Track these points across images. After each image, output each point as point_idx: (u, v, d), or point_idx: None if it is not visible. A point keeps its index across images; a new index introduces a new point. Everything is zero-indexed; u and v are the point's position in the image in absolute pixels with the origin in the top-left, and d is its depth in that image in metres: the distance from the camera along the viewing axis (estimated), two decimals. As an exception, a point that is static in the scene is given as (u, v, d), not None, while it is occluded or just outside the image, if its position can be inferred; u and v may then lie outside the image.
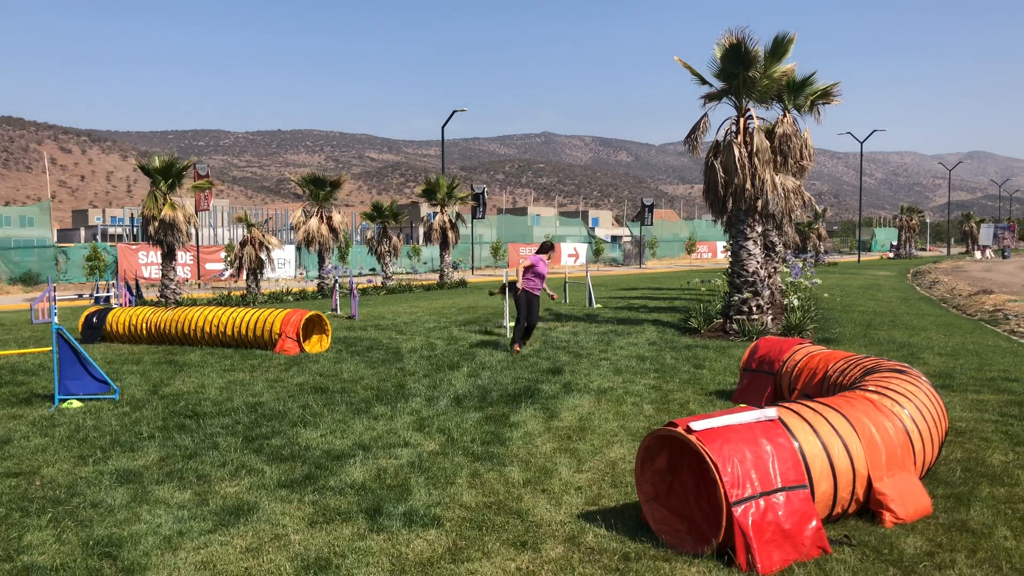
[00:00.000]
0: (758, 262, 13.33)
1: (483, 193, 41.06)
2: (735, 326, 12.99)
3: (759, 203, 13.00)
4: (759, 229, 13.43)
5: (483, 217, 42.56)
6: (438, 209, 31.28)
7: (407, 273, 40.17)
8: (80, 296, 25.84)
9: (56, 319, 8.70)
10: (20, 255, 35.53)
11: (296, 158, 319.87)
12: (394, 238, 30.00)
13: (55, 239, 45.90)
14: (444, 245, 31.22)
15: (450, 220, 31.16)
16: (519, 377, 9.66)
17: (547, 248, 12.40)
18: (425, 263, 43.09)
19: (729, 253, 13.88)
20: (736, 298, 13.34)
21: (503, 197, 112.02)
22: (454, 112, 41.43)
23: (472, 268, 44.41)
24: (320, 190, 27.81)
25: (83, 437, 6.99)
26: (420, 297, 25.49)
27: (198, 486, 5.60)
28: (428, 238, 31.50)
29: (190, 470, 5.98)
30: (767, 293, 13.34)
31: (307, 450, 6.51)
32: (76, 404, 8.30)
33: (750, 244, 13.33)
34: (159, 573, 4.17)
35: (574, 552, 4.37)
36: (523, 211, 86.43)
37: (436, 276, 32.67)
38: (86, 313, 14.28)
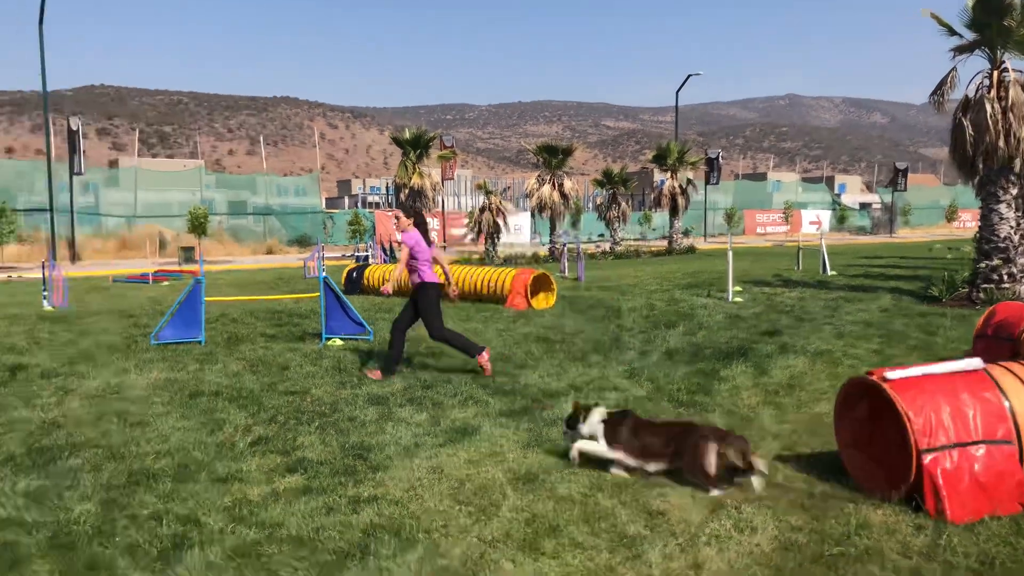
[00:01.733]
0: (1011, 227, 12.25)
1: (717, 158, 40.20)
2: (982, 295, 12.09)
3: (1016, 163, 11.92)
4: (1013, 192, 12.32)
5: (717, 183, 41.71)
6: (668, 175, 31.21)
7: (636, 239, 40.43)
8: (343, 256, 28.92)
9: (324, 273, 10.16)
10: (296, 220, 40.18)
11: (535, 128, 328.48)
12: (623, 204, 30.41)
13: (323, 206, 51.24)
14: (673, 211, 31.15)
15: (680, 186, 31.00)
16: (735, 337, 9.81)
17: (419, 221, 8.86)
18: (655, 229, 43.08)
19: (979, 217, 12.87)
20: (984, 265, 12.38)
21: (742, 162, 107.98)
22: (689, 76, 40.80)
23: (704, 235, 43.75)
24: (553, 158, 28.80)
25: (343, 367, 8.23)
26: (647, 262, 25.76)
27: (433, 411, 6.48)
28: (657, 204, 31.59)
29: (427, 398, 6.90)
30: (1022, 261, 12.24)
31: (526, 388, 7.22)
32: (338, 342, 9.67)
33: (1002, 207, 12.28)
34: (399, 472, 5.01)
35: (762, 487, 4.65)
36: (762, 176, 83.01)
37: (665, 242, 32.74)
38: (347, 269, 16.25)
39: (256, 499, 4.54)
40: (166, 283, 19.21)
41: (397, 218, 8.27)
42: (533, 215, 36.59)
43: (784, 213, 50.83)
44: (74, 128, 29.19)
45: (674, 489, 4.63)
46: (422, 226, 6.74)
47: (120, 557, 3.81)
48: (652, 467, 4.80)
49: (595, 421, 5.01)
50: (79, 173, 29.72)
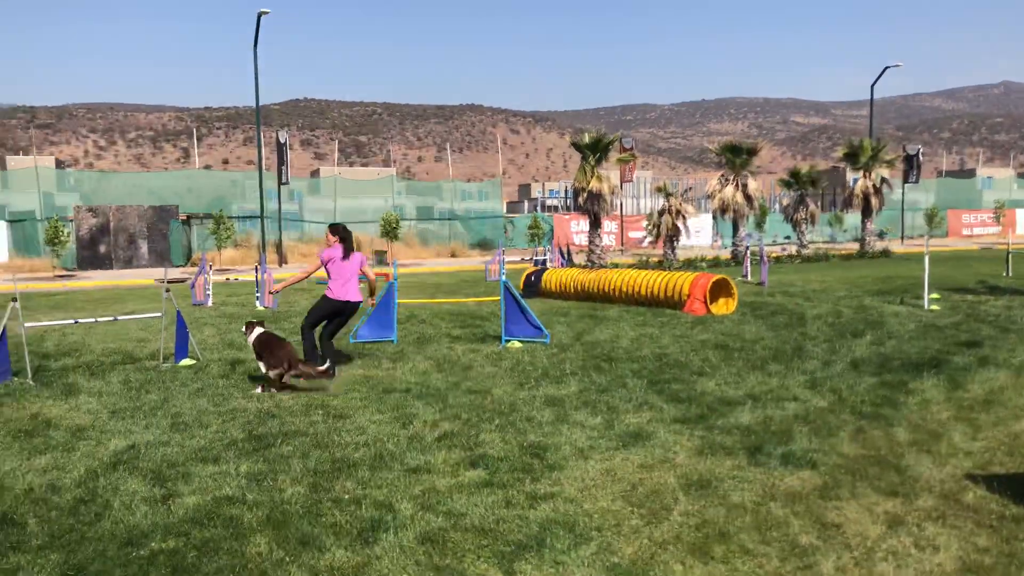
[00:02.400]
0: None
1: (917, 154, 37.51)
2: None
3: None
4: None
5: (916, 181, 38.89)
6: (861, 173, 29.54)
7: (825, 241, 38.52)
8: (523, 259, 29.67)
9: (504, 276, 10.62)
10: (478, 224, 41.65)
11: (719, 127, 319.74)
12: (811, 205, 29.16)
13: (504, 210, 52.72)
14: (866, 212, 29.47)
15: (873, 185, 29.26)
16: (928, 348, 9.27)
17: (343, 237, 8.86)
18: (846, 231, 40.82)
19: None
20: None
21: (947, 158, 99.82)
22: (886, 68, 38.37)
23: (902, 237, 40.94)
24: (736, 158, 28.08)
25: (521, 369, 8.59)
26: (835, 266, 24.56)
27: (607, 414, 6.66)
28: (849, 204, 29.99)
29: (602, 402, 7.09)
30: None
31: (702, 395, 7.24)
32: (517, 344, 10.06)
33: None
34: (574, 472, 5.23)
35: (947, 506, 4.48)
36: (971, 173, 76.35)
37: (856, 245, 30.98)
38: (526, 273, 16.73)
39: (443, 489, 4.93)
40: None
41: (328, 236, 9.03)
42: (715, 217, 35.81)
43: (995, 213, 46.53)
44: (282, 141, 31.86)
45: (850, 503, 4.55)
46: (346, 242, 7.27)
47: (325, 535, 4.29)
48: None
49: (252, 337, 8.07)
50: (286, 183, 32.39)
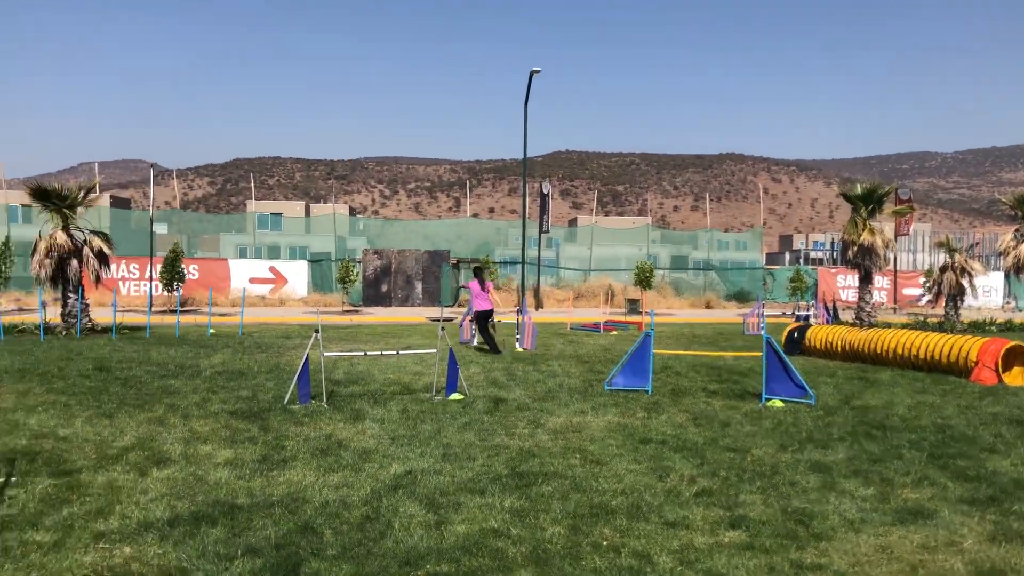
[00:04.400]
0: None
1: None
2: None
3: None
4: None
5: None
6: None
7: None
8: (783, 314, 28.39)
9: (764, 331, 10.27)
10: (734, 275, 40.61)
11: (1013, 176, 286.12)
12: None
13: (764, 262, 50.89)
14: None
15: None
16: None
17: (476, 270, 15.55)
18: None
19: None
20: None
21: None
22: None
23: None
24: (1037, 211, 24.97)
25: (784, 430, 8.22)
26: None
27: (880, 486, 6.19)
28: None
29: (874, 472, 6.60)
30: None
31: (995, 475, 6.50)
32: (779, 404, 9.65)
33: None
34: (843, 544, 4.92)
35: None
36: None
37: None
38: (788, 329, 15.99)
39: (702, 547, 4.85)
40: (614, 332, 20.83)
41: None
42: (1007, 276, 32.04)
43: None
44: (544, 191, 33.32)
45: None
46: (479, 273, 15.50)
47: (585, 577, 4.40)
48: None
49: None
50: (546, 231, 33.77)
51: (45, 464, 6.50)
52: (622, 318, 26.36)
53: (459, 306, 32.06)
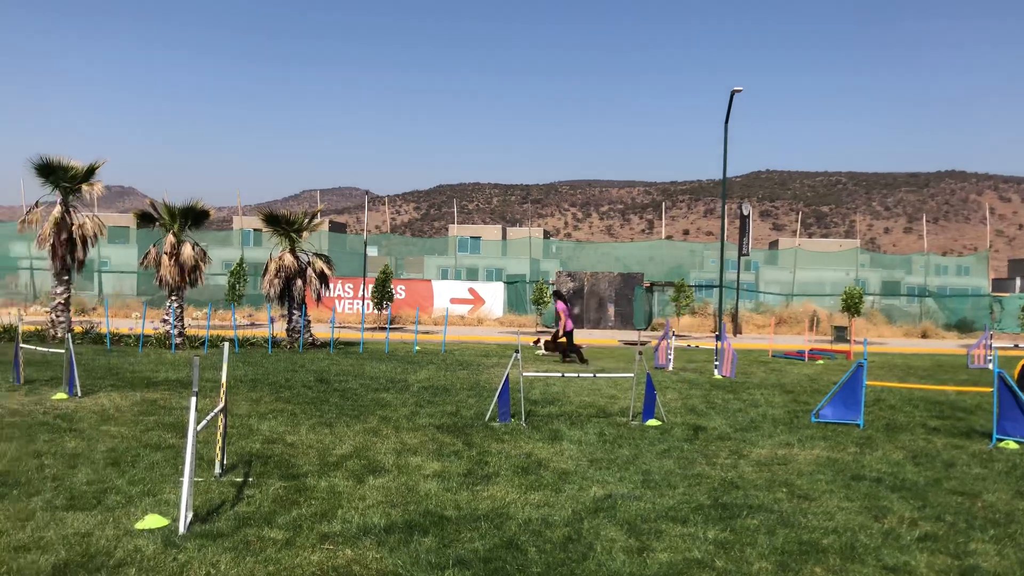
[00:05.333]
0: None
1: None
2: None
3: None
4: None
5: None
6: None
7: None
8: (1016, 346, 25.69)
9: (995, 364, 9.35)
10: (955, 303, 37.29)
11: None
12: None
13: (990, 288, 46.30)
14: None
15: None
16: None
17: (559, 296, 18.54)
18: None
19: None
20: None
21: None
22: None
23: None
24: None
25: (1020, 475, 7.45)
26: None
27: None
28: None
29: None
30: None
31: None
32: (1012, 445, 8.75)
33: None
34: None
35: None
36: None
37: None
38: (1022, 363, 14.41)
39: (926, 597, 4.50)
40: (820, 361, 19.75)
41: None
42: None
43: None
44: (744, 213, 32.30)
45: None
46: (562, 298, 17.87)
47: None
48: None
49: None
50: (746, 254, 32.67)
51: (276, 467, 7.14)
52: (828, 346, 24.95)
53: (652, 330, 31.74)
